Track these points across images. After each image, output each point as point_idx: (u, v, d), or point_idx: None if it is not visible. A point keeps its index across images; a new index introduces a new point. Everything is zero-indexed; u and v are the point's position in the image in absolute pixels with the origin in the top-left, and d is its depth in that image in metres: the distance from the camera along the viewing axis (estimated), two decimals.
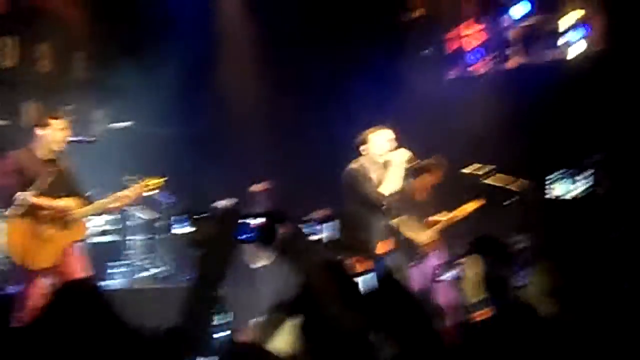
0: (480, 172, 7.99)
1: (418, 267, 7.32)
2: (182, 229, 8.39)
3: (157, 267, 8.48)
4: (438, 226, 7.82)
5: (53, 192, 6.17)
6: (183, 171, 9.03)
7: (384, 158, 6.47)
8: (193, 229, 7.87)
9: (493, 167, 7.92)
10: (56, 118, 6.26)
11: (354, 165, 6.50)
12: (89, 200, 6.40)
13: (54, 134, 6.18)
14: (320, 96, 9.84)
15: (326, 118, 9.83)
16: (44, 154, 6.19)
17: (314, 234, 6.79)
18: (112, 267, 8.16)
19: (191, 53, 9.50)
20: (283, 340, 2.99)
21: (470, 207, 7.86)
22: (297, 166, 9.76)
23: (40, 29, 9.33)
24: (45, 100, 9.12)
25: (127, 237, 8.49)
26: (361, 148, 6.53)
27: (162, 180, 6.57)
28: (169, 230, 8.57)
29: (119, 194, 6.41)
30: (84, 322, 2.72)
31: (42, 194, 6.07)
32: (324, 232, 2.75)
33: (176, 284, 7.97)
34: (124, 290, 7.72)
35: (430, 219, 7.82)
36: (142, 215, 8.56)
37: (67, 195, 6.23)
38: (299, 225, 2.63)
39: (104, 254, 8.00)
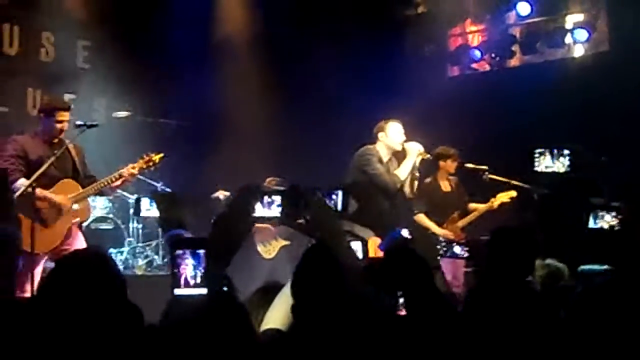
0: (483, 168, 8.00)
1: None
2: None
3: (158, 254, 8.46)
4: (469, 218, 7.82)
5: (57, 175, 6.14)
6: (181, 163, 9.01)
7: (401, 146, 6.70)
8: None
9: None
10: (64, 109, 6.26)
11: (369, 146, 6.75)
12: (93, 181, 6.36)
13: (59, 124, 6.19)
14: (320, 91, 9.81)
15: (325, 112, 9.83)
16: (48, 138, 6.21)
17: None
18: (113, 254, 8.12)
19: (192, 43, 9.46)
20: (277, 315, 2.98)
21: (503, 197, 7.79)
22: (296, 161, 9.70)
23: (42, 17, 9.28)
24: (47, 88, 9.09)
25: (129, 224, 8.47)
26: (379, 135, 6.77)
27: (162, 155, 6.56)
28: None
29: (123, 171, 6.35)
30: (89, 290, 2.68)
31: (45, 177, 6.03)
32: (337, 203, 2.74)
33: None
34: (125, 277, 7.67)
35: (457, 213, 7.82)
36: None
37: (72, 177, 6.21)
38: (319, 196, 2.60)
39: (105, 241, 7.96)
